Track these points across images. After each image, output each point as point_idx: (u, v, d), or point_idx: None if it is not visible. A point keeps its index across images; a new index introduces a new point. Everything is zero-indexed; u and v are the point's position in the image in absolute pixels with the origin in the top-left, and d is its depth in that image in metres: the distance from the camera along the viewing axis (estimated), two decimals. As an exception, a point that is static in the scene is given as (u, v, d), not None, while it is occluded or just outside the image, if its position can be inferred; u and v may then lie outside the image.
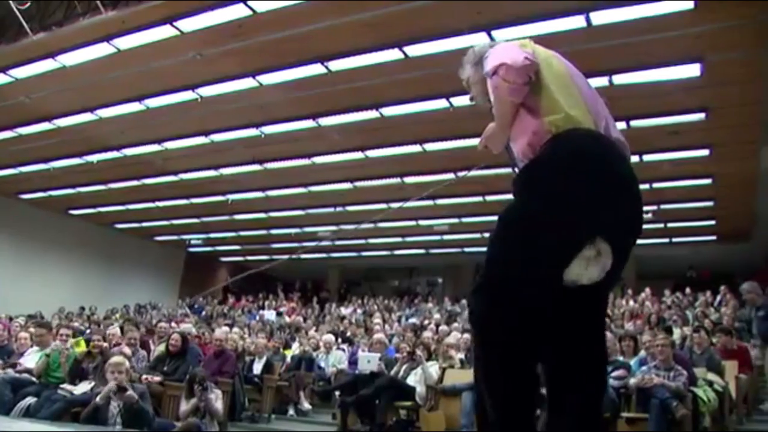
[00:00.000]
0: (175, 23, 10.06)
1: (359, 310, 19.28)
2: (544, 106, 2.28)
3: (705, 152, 12.85)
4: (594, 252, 2.10)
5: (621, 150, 2.30)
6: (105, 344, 7.77)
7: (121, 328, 9.59)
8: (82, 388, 6.81)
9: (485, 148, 2.62)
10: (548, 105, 2.28)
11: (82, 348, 7.16)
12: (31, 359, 7.62)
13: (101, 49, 10.97)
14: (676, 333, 10.59)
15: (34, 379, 7.13)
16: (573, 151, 2.19)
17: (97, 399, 6.11)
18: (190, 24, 10.06)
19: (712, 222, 17.57)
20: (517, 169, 2.42)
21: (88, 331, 12.13)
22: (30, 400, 6.75)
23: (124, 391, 6.08)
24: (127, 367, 6.52)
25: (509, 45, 2.40)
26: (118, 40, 10.66)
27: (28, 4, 11.28)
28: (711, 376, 7.10)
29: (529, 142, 2.29)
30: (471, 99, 2.71)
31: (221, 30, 10.05)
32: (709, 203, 15.97)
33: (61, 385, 6.92)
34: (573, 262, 2.09)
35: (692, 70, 9.91)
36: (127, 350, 7.78)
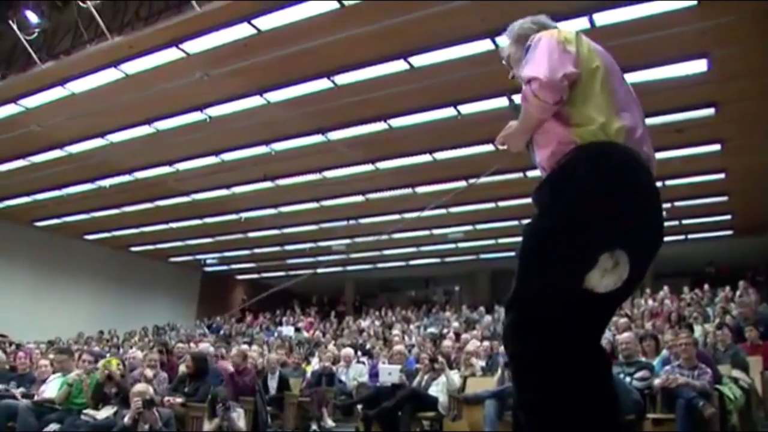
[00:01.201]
0: (180, 45, 10.15)
1: (377, 322, 19.24)
2: (574, 115, 2.19)
3: (716, 147, 12.78)
4: (612, 262, 2.06)
5: (645, 163, 2.20)
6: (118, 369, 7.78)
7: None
8: (105, 412, 6.81)
9: (502, 146, 2.54)
10: (578, 114, 2.19)
11: (114, 367, 7.14)
12: (53, 386, 7.63)
13: (109, 75, 11.09)
14: (698, 330, 10.49)
15: (57, 406, 7.14)
16: (595, 163, 2.11)
17: (125, 419, 6.13)
18: (195, 45, 10.15)
19: (728, 216, 17.46)
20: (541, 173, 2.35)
21: (108, 355, 12.16)
22: (54, 426, 6.77)
23: (151, 405, 6.10)
24: (152, 395, 6.54)
25: (553, 45, 2.24)
26: (126, 64, 10.78)
27: (36, 33, 11.43)
28: (736, 373, 7.02)
29: (553, 151, 2.22)
30: (511, 77, 2.61)
31: (227, 50, 10.12)
32: (724, 198, 15.87)
33: (84, 411, 6.93)
34: (590, 272, 2.06)
35: (699, 66, 9.87)
36: (149, 373, 7.79)
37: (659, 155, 9.21)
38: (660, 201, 2.25)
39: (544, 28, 2.52)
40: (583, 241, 2.06)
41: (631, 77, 10.15)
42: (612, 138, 2.14)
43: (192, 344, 12.45)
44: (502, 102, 10.79)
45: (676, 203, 16.07)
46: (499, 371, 7.47)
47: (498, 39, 9.28)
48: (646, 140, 2.26)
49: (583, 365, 2.09)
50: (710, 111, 11.25)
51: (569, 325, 2.08)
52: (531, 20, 2.61)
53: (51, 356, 9.04)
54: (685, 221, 17.73)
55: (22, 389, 7.81)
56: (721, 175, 14.33)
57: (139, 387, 6.55)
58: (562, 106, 2.19)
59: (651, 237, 2.20)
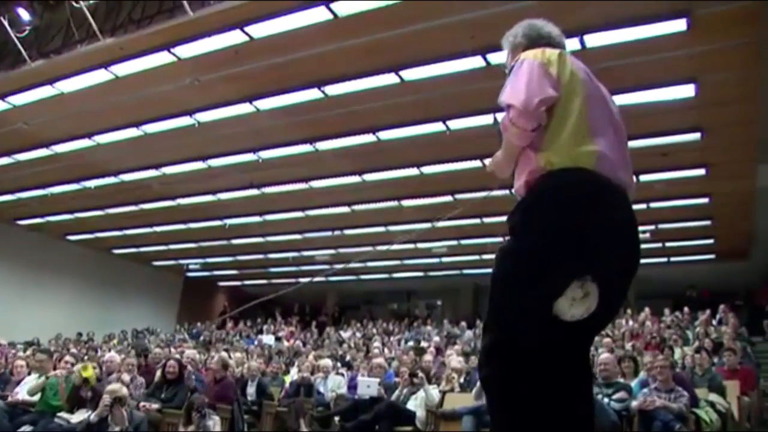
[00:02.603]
0: (172, 50, 10.13)
1: (358, 334, 19.19)
2: (546, 140, 2.19)
3: (701, 171, 12.88)
4: (581, 292, 2.06)
5: (618, 189, 2.20)
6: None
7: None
8: (80, 416, 6.75)
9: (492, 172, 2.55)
10: (550, 140, 2.19)
11: (89, 373, 7.08)
12: (28, 388, 7.56)
13: (99, 76, 11.05)
14: (677, 353, 10.55)
15: (31, 408, 7.07)
16: (562, 191, 2.12)
17: (92, 416, 6.08)
18: (187, 50, 10.14)
19: (711, 241, 17.58)
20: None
21: (85, 357, 12.05)
22: (27, 429, 6.71)
23: (121, 403, 6.05)
24: (124, 394, 6.48)
25: (534, 67, 2.24)
26: (116, 66, 10.74)
27: (27, 31, 11.38)
28: (713, 397, 7.07)
29: (526, 177, 2.22)
30: None
31: (218, 56, 10.11)
32: (707, 222, 15.98)
33: (59, 414, 6.86)
34: (559, 299, 2.06)
35: (687, 91, 9.97)
36: (126, 377, 7.73)
37: (644, 178, 9.34)
38: (634, 227, 2.26)
39: (535, 41, 2.52)
40: (550, 267, 2.06)
41: (620, 99, 10.20)
42: (581, 164, 2.13)
43: (173, 350, 12.36)
44: (489, 119, 10.87)
45: (660, 226, 16.17)
46: (477, 387, 7.47)
47: (488, 56, 9.37)
48: (623, 165, 2.26)
49: (553, 390, 2.09)
50: (696, 136, 11.34)
51: (538, 350, 2.08)
52: (522, 32, 2.59)
53: (29, 356, 8.97)
54: (668, 244, 17.82)
55: (-4, 390, 7.73)
56: (705, 200, 14.44)
57: (112, 386, 6.50)
58: (538, 132, 2.20)
59: (624, 263, 2.20)
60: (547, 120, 2.19)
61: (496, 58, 9.36)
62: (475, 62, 9.55)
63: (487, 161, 2.51)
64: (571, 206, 2.08)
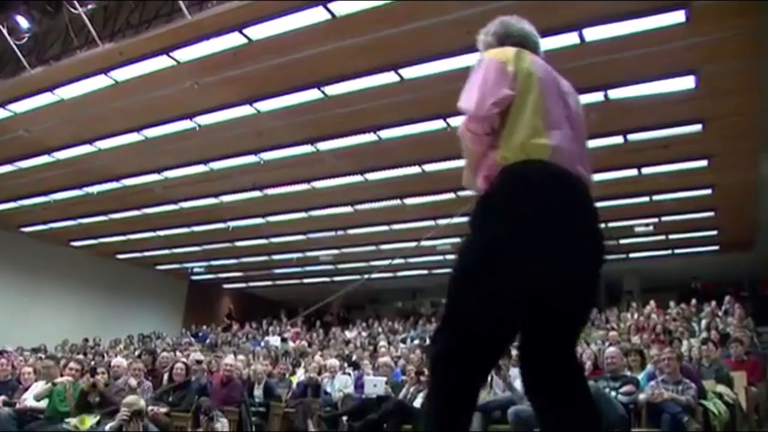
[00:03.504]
0: (171, 53, 10.15)
1: (364, 333, 19.19)
2: (503, 137, 2.23)
3: (704, 163, 12.87)
4: None
5: (575, 181, 2.20)
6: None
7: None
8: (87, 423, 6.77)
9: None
10: (506, 137, 2.22)
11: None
12: (35, 394, 7.57)
13: (99, 81, 11.07)
14: (683, 345, 10.54)
15: (39, 414, 7.08)
16: (515, 183, 2.15)
17: (107, 427, 6.09)
18: (186, 54, 10.15)
19: (714, 232, 17.54)
20: None
21: (92, 363, 12.07)
22: (35, 435, 6.72)
23: (139, 417, 6.07)
24: (142, 407, 6.51)
25: (491, 68, 2.30)
26: (116, 71, 10.76)
27: (26, 38, 11.40)
28: (720, 388, 7.06)
29: (485, 175, 2.26)
30: None
31: (217, 59, 10.12)
32: (710, 213, 15.95)
33: (66, 419, 6.87)
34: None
35: (687, 83, 9.95)
36: (133, 381, 7.74)
37: (646, 170, 9.32)
38: (593, 217, 2.27)
39: (504, 39, 2.59)
40: (506, 260, 2.08)
41: (620, 92, 10.28)
42: (534, 156, 2.16)
43: (178, 353, 12.37)
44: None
45: (663, 218, 16.17)
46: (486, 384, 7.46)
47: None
48: (580, 158, 2.27)
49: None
50: (698, 127, 11.34)
51: (490, 342, 2.16)
52: (493, 30, 2.68)
53: (37, 363, 8.98)
54: (671, 236, 17.83)
55: (3, 397, 7.74)
56: (708, 191, 14.42)
57: (130, 398, 6.51)
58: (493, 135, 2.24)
59: (585, 253, 2.20)
60: (504, 118, 2.23)
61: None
62: (474, 59, 9.52)
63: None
64: (526, 197, 2.11)
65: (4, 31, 11.36)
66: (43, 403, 7.25)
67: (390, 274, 23.93)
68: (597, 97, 10.41)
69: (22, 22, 11.65)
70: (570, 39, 8.95)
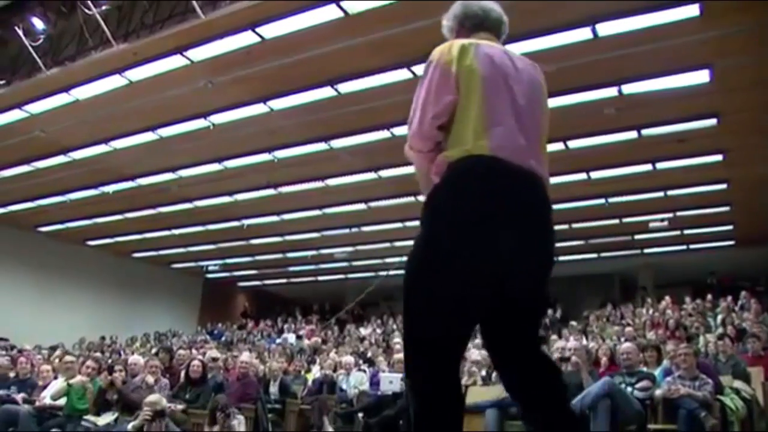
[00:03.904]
0: (185, 53, 10.19)
1: (378, 330, 19.21)
2: (449, 135, 2.27)
3: (718, 157, 12.78)
4: None
5: (521, 174, 2.20)
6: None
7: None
8: (106, 419, 6.83)
9: None
10: (452, 137, 2.26)
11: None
12: (52, 393, 7.65)
13: (113, 82, 11.13)
14: (700, 341, 10.49)
15: (58, 412, 7.16)
16: (455, 178, 2.19)
17: (129, 426, 6.14)
18: (199, 53, 10.19)
19: (730, 227, 17.42)
20: None
21: (110, 360, 12.17)
22: (55, 432, 6.80)
23: (161, 417, 6.11)
24: (164, 406, 6.57)
25: (435, 74, 2.32)
26: (130, 71, 10.81)
27: (41, 40, 11.49)
28: (738, 384, 7.01)
29: (434, 173, 2.29)
30: None
31: (230, 58, 10.15)
32: (726, 208, 15.85)
33: (85, 416, 6.94)
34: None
35: (702, 77, 9.89)
36: (150, 379, 7.80)
37: (660, 165, 9.28)
38: (540, 210, 2.27)
39: (464, 22, 2.61)
40: (447, 254, 2.11)
41: (634, 87, 10.23)
42: (475, 152, 2.18)
43: (194, 351, 12.45)
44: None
45: (678, 213, 16.09)
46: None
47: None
48: (530, 151, 2.26)
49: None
50: (712, 121, 11.26)
51: (438, 336, 2.16)
52: (453, 14, 2.68)
53: (56, 361, 9.06)
54: (686, 231, 17.73)
55: (23, 395, 7.82)
56: (723, 186, 14.33)
57: (152, 398, 6.57)
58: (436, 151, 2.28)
59: (529, 246, 2.19)
60: (448, 120, 2.26)
61: (509, 49, 9.35)
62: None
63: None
64: (466, 194, 2.14)
65: (20, 33, 11.45)
66: (62, 401, 7.32)
67: (403, 272, 23.92)
68: (611, 92, 10.38)
69: (38, 23, 11.72)
70: (583, 34, 8.91)
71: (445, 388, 2.21)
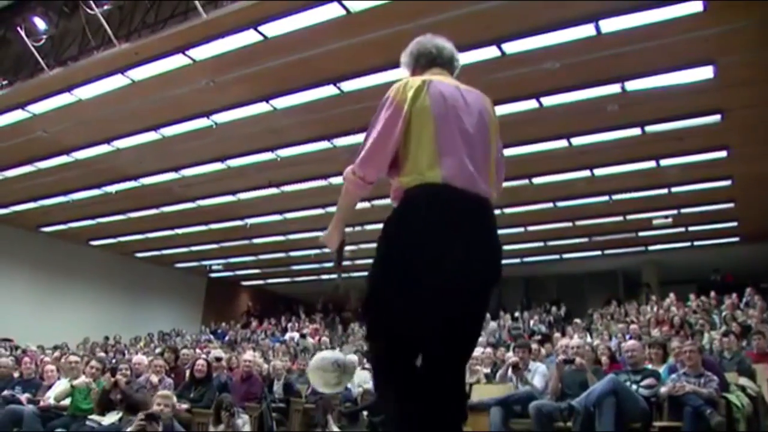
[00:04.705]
0: (187, 52, 10.18)
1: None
2: (402, 168, 2.49)
3: (722, 154, 12.75)
4: (335, 380, 2.68)
5: (470, 201, 2.42)
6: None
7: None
8: (110, 418, 6.83)
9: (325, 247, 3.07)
10: (405, 166, 2.48)
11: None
12: (55, 394, 7.65)
13: (116, 81, 11.12)
14: (704, 338, 10.46)
15: (63, 412, 7.16)
16: (407, 203, 2.45)
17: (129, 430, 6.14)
18: (201, 52, 10.18)
19: (734, 223, 17.39)
20: None
21: (113, 361, 12.17)
22: (59, 432, 6.80)
23: (152, 419, 6.10)
24: (174, 402, 6.61)
25: (389, 112, 2.52)
26: (132, 71, 10.81)
27: (43, 40, 11.50)
28: (743, 381, 6.99)
29: (392, 197, 2.57)
30: None
31: (233, 57, 10.15)
32: (730, 205, 15.82)
33: (90, 416, 6.94)
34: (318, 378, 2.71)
35: (705, 73, 9.85)
36: (155, 378, 7.80)
37: (664, 162, 9.23)
38: (485, 234, 2.52)
39: (418, 59, 2.91)
40: (396, 275, 2.38)
41: (637, 84, 10.20)
42: (429, 180, 2.40)
43: (198, 350, 12.45)
44: (505, 109, 10.82)
45: (682, 210, 16.05)
46: (502, 369, 7.46)
47: (503, 46, 9.33)
48: (479, 177, 2.48)
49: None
50: (716, 118, 11.23)
51: (386, 344, 2.45)
52: (409, 51, 3.01)
53: (60, 361, 9.06)
54: (691, 228, 17.70)
55: (27, 395, 7.83)
56: (728, 182, 14.30)
57: (166, 392, 6.64)
58: (398, 161, 2.51)
59: (471, 269, 2.42)
60: (403, 149, 2.49)
61: (512, 47, 9.33)
62: (490, 52, 9.51)
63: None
64: (420, 216, 2.38)
65: (22, 33, 11.46)
66: (66, 401, 7.33)
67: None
68: (614, 89, 10.36)
69: (40, 23, 11.74)
70: (586, 31, 8.89)
71: (409, 380, 2.43)
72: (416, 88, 2.53)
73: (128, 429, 6.19)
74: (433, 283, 2.34)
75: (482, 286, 2.52)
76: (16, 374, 8.91)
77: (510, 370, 7.51)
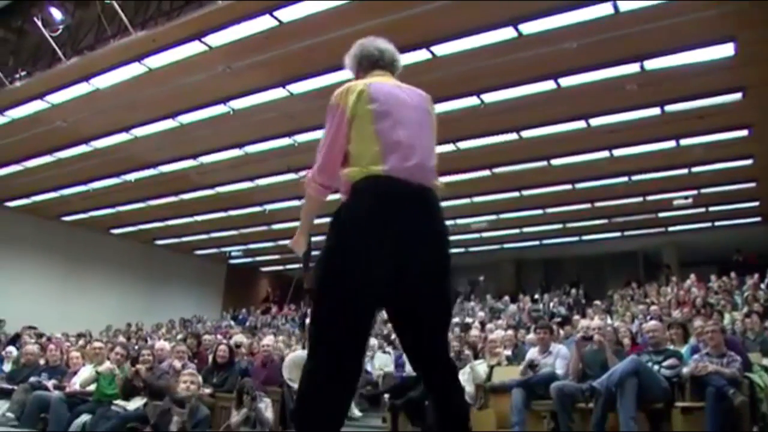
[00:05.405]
0: (203, 39, 10.20)
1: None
2: (350, 162, 2.64)
3: (743, 132, 12.59)
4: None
5: (413, 191, 2.58)
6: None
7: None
8: (135, 403, 6.91)
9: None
10: (352, 162, 2.63)
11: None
12: (81, 381, 7.74)
13: (133, 69, 11.17)
14: (726, 318, 10.39)
15: (88, 398, 7.25)
16: (351, 196, 2.59)
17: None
18: (217, 39, 10.19)
19: (756, 203, 17.20)
20: None
21: (136, 347, 12.29)
22: (85, 417, 6.89)
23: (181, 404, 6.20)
24: (200, 381, 6.72)
25: (335, 119, 2.70)
26: (149, 59, 10.85)
27: (60, 30, 11.55)
28: (766, 361, 6.94)
29: (342, 192, 2.68)
30: None
31: (249, 42, 10.15)
32: (752, 184, 15.65)
33: (115, 401, 7.03)
34: None
35: (726, 50, 9.71)
36: (177, 364, 7.87)
37: (684, 141, 9.12)
38: (430, 223, 2.65)
39: (361, 61, 3.16)
40: (342, 263, 2.51)
41: (656, 63, 10.09)
42: (373, 173, 2.56)
43: (219, 336, 12.54)
44: (523, 90, 10.75)
45: (703, 190, 15.90)
46: (524, 363, 7.44)
47: (520, 27, 9.25)
48: (419, 169, 2.64)
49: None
50: (737, 96, 11.08)
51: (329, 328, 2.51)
52: (353, 54, 3.26)
53: (86, 346, 9.16)
54: (711, 208, 17.53)
55: (54, 381, 7.93)
56: (749, 161, 14.13)
57: (190, 370, 6.82)
58: (347, 160, 2.66)
59: (415, 256, 2.54)
60: (350, 146, 2.65)
61: (529, 27, 9.26)
62: (507, 33, 9.44)
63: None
64: (366, 206, 2.53)
65: (39, 24, 11.52)
66: (91, 387, 7.42)
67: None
68: (633, 68, 10.25)
69: (56, 13, 11.80)
70: (605, 9, 8.79)
71: (338, 375, 2.49)
72: (357, 92, 2.70)
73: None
74: (382, 267, 2.47)
75: (426, 268, 2.60)
76: (42, 361, 9.02)
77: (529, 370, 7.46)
